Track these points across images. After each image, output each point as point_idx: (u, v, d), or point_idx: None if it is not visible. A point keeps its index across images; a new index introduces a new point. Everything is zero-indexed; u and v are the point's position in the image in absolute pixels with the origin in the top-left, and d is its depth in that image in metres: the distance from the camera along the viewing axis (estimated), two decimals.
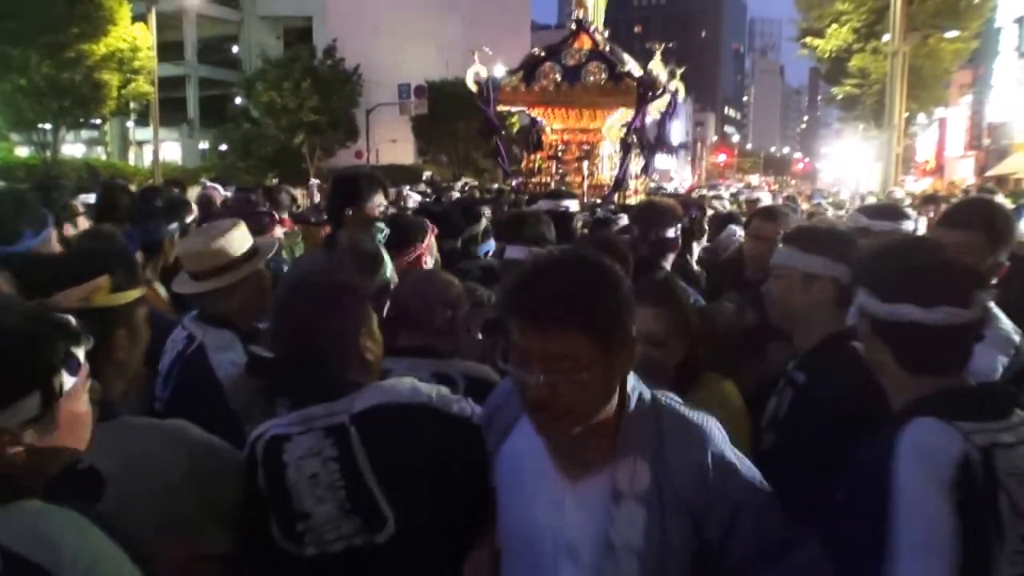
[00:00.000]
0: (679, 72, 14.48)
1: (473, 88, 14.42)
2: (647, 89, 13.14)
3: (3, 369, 1.81)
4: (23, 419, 1.82)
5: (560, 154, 14.68)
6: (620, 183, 13.74)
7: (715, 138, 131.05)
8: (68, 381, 1.90)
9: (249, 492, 2.63)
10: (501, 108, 14.93)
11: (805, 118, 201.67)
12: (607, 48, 14.23)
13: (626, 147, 13.76)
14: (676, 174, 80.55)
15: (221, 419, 3.04)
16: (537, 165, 14.83)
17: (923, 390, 2.34)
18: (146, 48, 40.64)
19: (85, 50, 38.10)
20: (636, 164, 14.33)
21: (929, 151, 57.73)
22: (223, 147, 51.95)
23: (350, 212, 5.01)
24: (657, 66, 13.38)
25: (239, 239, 3.63)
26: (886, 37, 32.58)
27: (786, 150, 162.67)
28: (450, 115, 51.22)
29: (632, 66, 14.00)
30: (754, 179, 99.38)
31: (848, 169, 62.88)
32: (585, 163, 14.19)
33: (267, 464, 2.58)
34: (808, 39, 46.99)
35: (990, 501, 2.17)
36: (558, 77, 13.83)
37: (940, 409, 2.26)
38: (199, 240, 3.64)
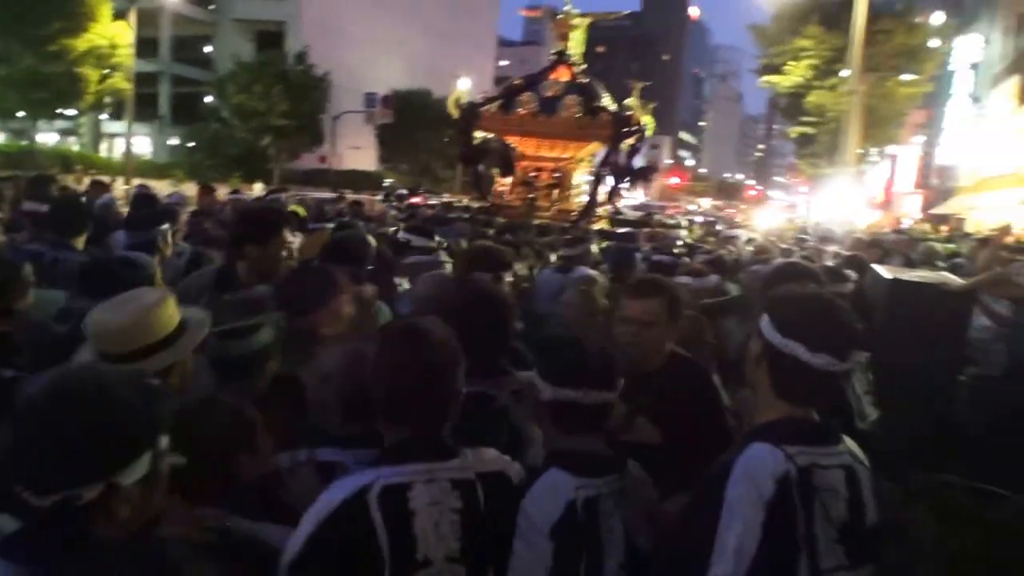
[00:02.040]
0: (650, 107, 14.69)
1: (454, 113, 14.52)
2: (621, 126, 13.30)
3: (124, 432, 1.94)
4: (136, 478, 1.94)
5: (532, 180, 14.87)
6: (589, 211, 13.88)
7: (669, 161, 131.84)
8: (164, 441, 2.03)
9: (358, 545, 2.51)
10: (478, 134, 14.99)
11: (761, 146, 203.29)
12: (585, 81, 14.37)
13: (597, 178, 13.93)
14: (627, 193, 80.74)
15: None
16: (508, 189, 14.97)
17: (780, 414, 2.75)
18: (125, 45, 40.89)
19: (67, 45, 38.95)
20: (603, 193, 14.53)
21: (879, 186, 58.43)
22: (192, 144, 51.83)
23: (251, 248, 4.80)
24: (634, 103, 13.55)
25: (168, 316, 3.08)
26: (844, 73, 33.00)
27: (740, 176, 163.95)
28: (413, 125, 51.56)
29: (608, 101, 14.16)
30: (705, 202, 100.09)
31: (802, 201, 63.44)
32: (556, 190, 14.32)
33: (389, 512, 2.53)
34: (767, 75, 47.41)
35: (807, 509, 2.59)
36: (535, 107, 14.04)
37: (773, 435, 2.67)
38: (116, 315, 2.98)
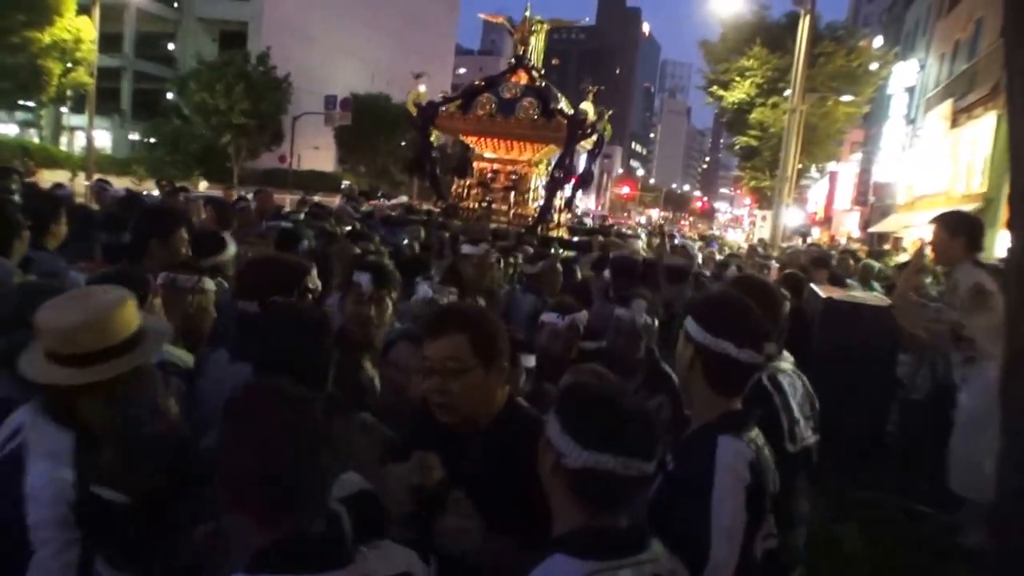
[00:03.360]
0: (607, 114, 14.79)
1: (412, 110, 14.52)
2: (576, 128, 13.36)
3: None
4: None
5: (489, 182, 14.86)
6: (544, 215, 13.95)
7: (621, 171, 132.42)
8: None
9: None
10: (435, 133, 14.98)
11: (707, 159, 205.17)
12: (543, 85, 14.48)
13: (553, 182, 13.98)
14: (580, 202, 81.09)
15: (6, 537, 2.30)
16: (465, 191, 14.99)
17: (720, 409, 2.95)
18: (88, 40, 40.37)
19: (30, 37, 38.07)
20: (560, 198, 14.54)
21: (819, 202, 59.10)
22: (153, 140, 51.35)
23: (155, 243, 4.93)
24: (588, 107, 13.63)
25: (128, 318, 2.68)
26: (787, 92, 33.46)
27: (687, 188, 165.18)
28: (372, 128, 51.54)
29: (564, 105, 14.25)
30: (654, 213, 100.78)
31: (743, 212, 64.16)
32: (512, 193, 14.35)
33: None
34: (714, 88, 47.95)
35: (761, 490, 2.84)
36: (493, 108, 14.02)
37: (733, 426, 2.88)
38: (71, 312, 2.58)
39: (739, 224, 60.97)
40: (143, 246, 4.97)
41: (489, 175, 14.89)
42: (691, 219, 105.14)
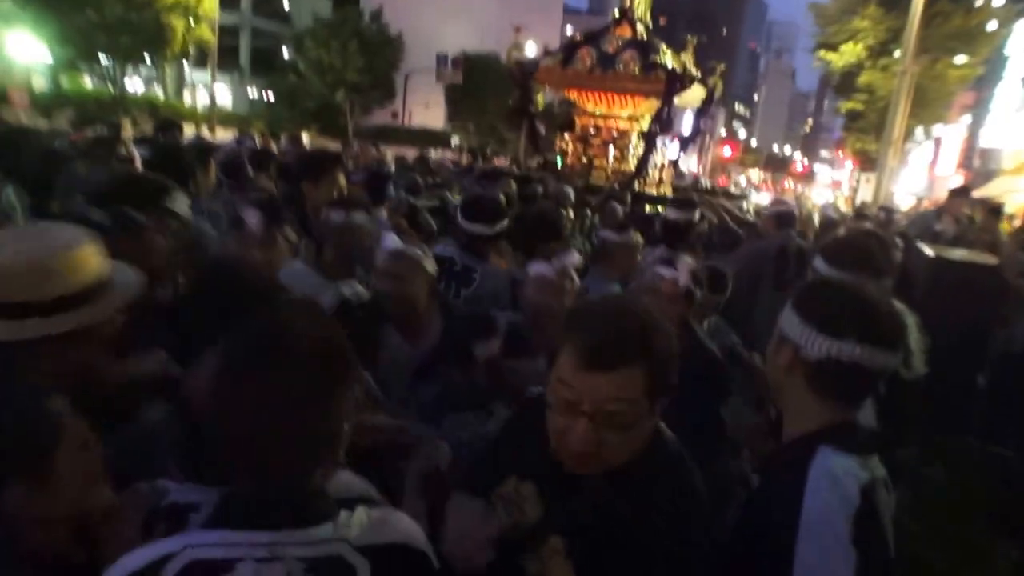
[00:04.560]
0: (719, 69, 14.13)
1: (510, 63, 14.18)
2: (675, 81, 12.79)
3: None
4: None
5: (590, 137, 14.28)
6: (639, 171, 13.42)
7: (723, 132, 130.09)
8: None
9: None
10: (541, 91, 14.58)
11: (810, 121, 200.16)
12: (645, 38, 13.83)
13: (649, 136, 13.44)
14: (682, 163, 79.92)
15: None
16: (568, 147, 14.56)
17: (825, 419, 2.27)
18: None
19: None
20: (661, 154, 14.00)
21: (922, 167, 57.18)
22: (270, 96, 52.01)
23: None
24: (688, 58, 13.12)
25: (88, 264, 2.20)
26: (898, 54, 32.19)
27: (788, 150, 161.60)
28: (481, 86, 51.16)
29: (669, 58, 13.58)
30: (754, 174, 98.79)
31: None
32: (611, 148, 13.84)
33: None
34: (822, 52, 46.51)
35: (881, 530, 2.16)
36: (594, 61, 13.47)
37: (843, 442, 2.21)
38: (14, 252, 2.09)
39: (839, 187, 59.22)
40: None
41: (591, 130, 14.25)
42: (789, 181, 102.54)
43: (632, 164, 13.85)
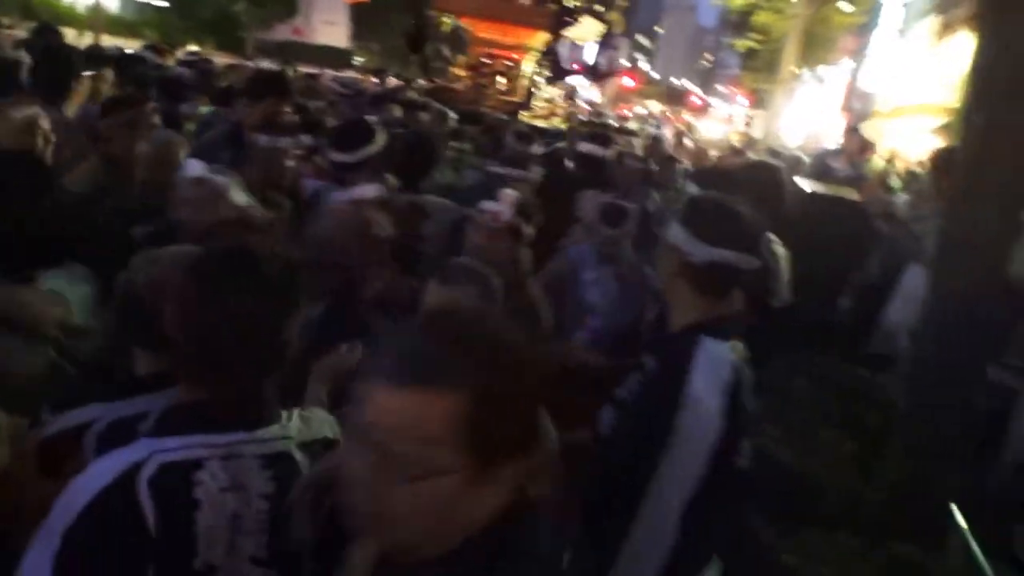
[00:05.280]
0: (621, 5, 14.09)
1: None
2: (563, 13, 12.74)
3: None
4: None
5: (480, 66, 14.20)
6: (528, 100, 13.50)
7: (627, 64, 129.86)
8: None
9: (121, 541, 1.72)
10: (433, 11, 14.51)
11: (711, 58, 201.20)
12: None
13: (536, 65, 13.51)
14: (585, 93, 79.64)
15: None
16: (462, 73, 14.45)
17: (705, 312, 2.80)
18: None
19: None
20: (555, 87, 14.00)
21: (809, 106, 58.17)
22: (163, 3, 49.81)
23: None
24: (616, 17, 13.07)
25: None
26: None
27: (686, 82, 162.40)
28: (386, 6, 50.19)
29: None
30: (654, 106, 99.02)
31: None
32: (501, 77, 13.86)
33: (164, 499, 1.74)
34: None
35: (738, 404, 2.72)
36: None
37: (719, 331, 2.77)
38: None
39: (731, 122, 60.13)
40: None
41: (484, 59, 14.21)
42: (686, 115, 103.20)
43: (521, 94, 14.02)
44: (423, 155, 5.36)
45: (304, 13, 48.70)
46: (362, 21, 54.15)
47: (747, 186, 4.19)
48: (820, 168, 10.96)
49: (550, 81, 14.60)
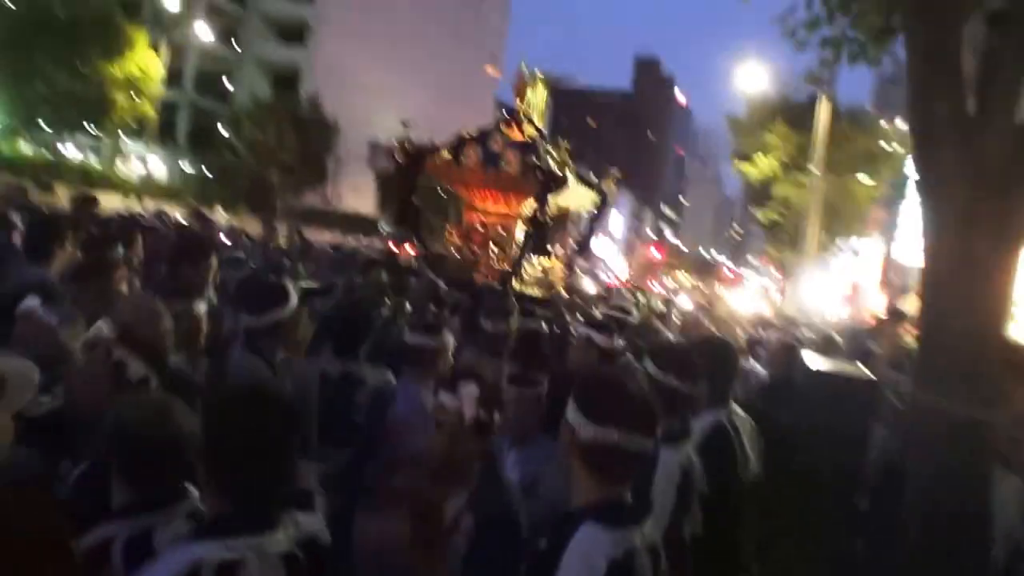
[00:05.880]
0: (614, 174, 14.13)
1: (400, 157, 13.82)
2: (550, 181, 12.52)
3: None
4: None
5: (473, 234, 14.01)
6: (515, 269, 12.95)
7: (652, 235, 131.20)
8: None
9: None
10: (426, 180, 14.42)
11: (738, 228, 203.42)
12: (530, 140, 13.61)
13: (525, 236, 13.13)
14: (612, 264, 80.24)
15: None
16: (455, 240, 14.19)
17: (594, 495, 2.63)
18: (155, 75, 41.26)
19: (103, 70, 39.37)
20: (548, 256, 13.62)
21: (846, 279, 57.72)
22: (205, 172, 51.52)
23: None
24: (610, 187, 13.27)
25: None
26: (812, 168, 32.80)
27: (714, 254, 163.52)
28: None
29: (551, 161, 13.25)
30: (682, 277, 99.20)
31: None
32: (493, 246, 13.54)
33: None
34: (737, 162, 47.20)
35: None
36: (479, 159, 13.24)
37: (605, 517, 2.58)
38: None
39: (766, 294, 59.55)
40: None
41: (477, 226, 14.03)
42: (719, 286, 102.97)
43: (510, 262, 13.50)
44: (360, 325, 5.29)
45: (333, 180, 49.53)
46: (387, 189, 55.26)
47: (701, 362, 4.22)
48: (859, 351, 9.99)
49: (581, 251, 14.25)
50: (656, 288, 42.64)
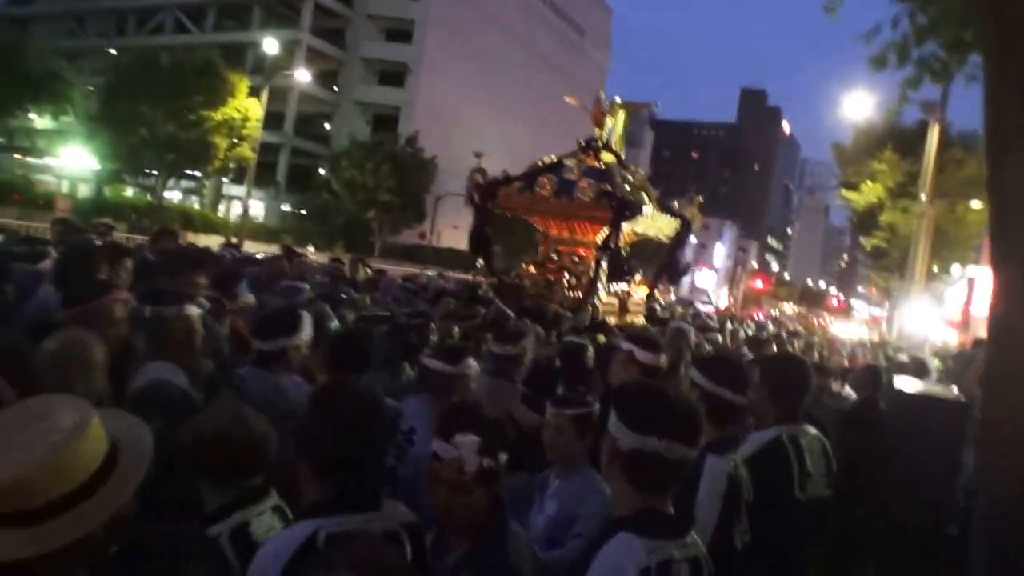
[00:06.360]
0: (696, 200, 13.80)
1: (474, 190, 13.60)
2: (623, 208, 11.95)
3: None
4: None
5: (547, 263, 13.64)
6: (587, 297, 12.49)
7: (756, 265, 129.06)
8: None
9: None
10: (499, 210, 14.14)
11: (846, 257, 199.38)
12: (605, 167, 13.09)
13: (597, 263, 12.54)
14: (714, 295, 79.04)
15: None
16: (527, 271, 13.88)
17: (634, 505, 2.59)
18: (255, 119, 42.10)
19: (204, 115, 40.66)
20: (616, 282, 13.04)
21: (957, 306, 55.46)
22: (303, 212, 52.19)
23: None
24: (694, 213, 12.93)
25: (91, 446, 1.83)
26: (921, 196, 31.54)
27: (822, 284, 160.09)
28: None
29: (624, 187, 12.62)
30: (788, 308, 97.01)
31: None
32: (567, 274, 13.07)
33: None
34: (844, 191, 45.93)
35: None
36: (554, 188, 12.86)
37: (641, 526, 2.52)
38: (12, 456, 1.73)
39: (877, 324, 57.72)
40: None
41: (552, 255, 13.66)
42: (826, 316, 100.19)
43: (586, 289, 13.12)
44: (349, 351, 5.08)
45: (430, 218, 49.65)
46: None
47: (769, 379, 4.38)
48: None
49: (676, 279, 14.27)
50: (756, 318, 41.42)
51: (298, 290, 7.84)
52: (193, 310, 4.42)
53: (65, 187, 46.76)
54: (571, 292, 12.84)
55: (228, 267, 8.27)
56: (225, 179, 52.22)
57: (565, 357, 6.43)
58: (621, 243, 12.55)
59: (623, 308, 13.02)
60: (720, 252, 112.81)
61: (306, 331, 4.82)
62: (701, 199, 13.88)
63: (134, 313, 4.59)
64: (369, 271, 13.65)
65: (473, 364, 4.82)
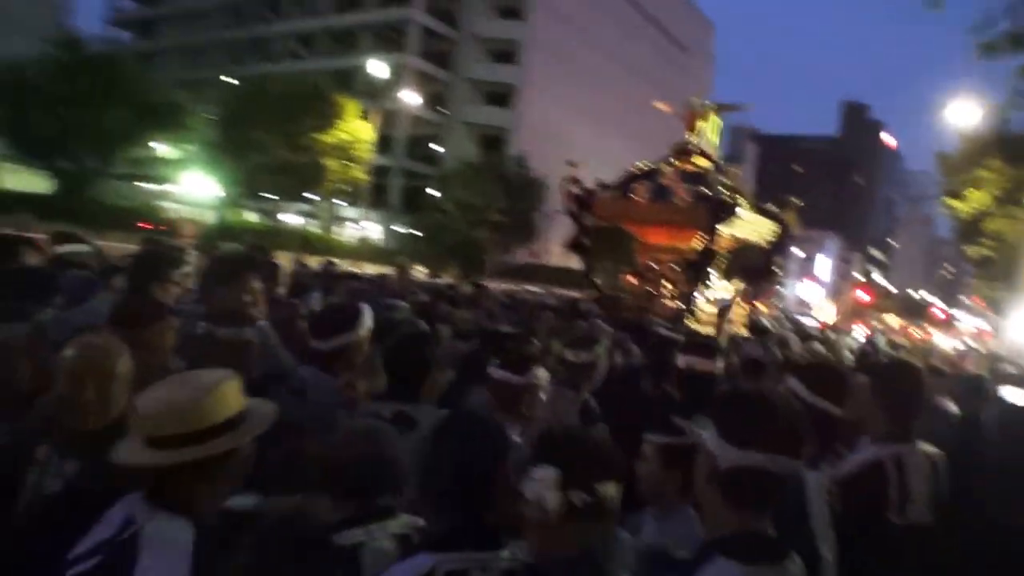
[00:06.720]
0: (794, 203, 13.13)
1: (570, 200, 13.28)
2: (717, 210, 11.52)
3: None
4: None
5: (645, 271, 13.21)
6: (685, 305, 12.13)
7: (860, 277, 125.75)
8: None
9: None
10: (594, 220, 13.71)
11: (953, 268, 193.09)
12: (701, 171, 12.76)
13: (693, 269, 12.07)
14: (818, 308, 77.21)
15: None
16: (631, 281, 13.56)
17: (732, 527, 2.29)
18: (366, 142, 42.41)
19: (316, 139, 40.62)
20: (716, 290, 12.56)
21: None
22: (416, 232, 52.68)
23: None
24: (791, 217, 12.50)
25: (232, 398, 2.45)
26: None
27: (925, 295, 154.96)
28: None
29: (720, 189, 12.26)
30: (891, 320, 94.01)
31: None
32: (665, 283, 12.64)
33: None
34: (948, 199, 44.27)
35: None
36: (648, 194, 12.52)
37: (738, 550, 2.22)
38: (177, 394, 2.37)
39: (980, 336, 55.15)
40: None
41: (651, 264, 13.19)
42: (927, 327, 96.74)
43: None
44: (405, 358, 4.47)
45: (542, 238, 49.44)
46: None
47: (879, 391, 3.84)
48: None
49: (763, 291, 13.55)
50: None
51: (395, 307, 7.59)
52: (249, 332, 4.43)
53: (185, 213, 48.10)
54: (670, 302, 12.41)
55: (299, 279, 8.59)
56: (340, 201, 53.02)
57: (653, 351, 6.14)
58: (719, 248, 12.11)
59: (723, 318, 12.37)
60: (824, 264, 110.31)
61: (365, 326, 4.53)
62: (799, 202, 13.21)
63: (182, 331, 4.42)
64: (470, 288, 13.50)
65: (542, 374, 4.36)
